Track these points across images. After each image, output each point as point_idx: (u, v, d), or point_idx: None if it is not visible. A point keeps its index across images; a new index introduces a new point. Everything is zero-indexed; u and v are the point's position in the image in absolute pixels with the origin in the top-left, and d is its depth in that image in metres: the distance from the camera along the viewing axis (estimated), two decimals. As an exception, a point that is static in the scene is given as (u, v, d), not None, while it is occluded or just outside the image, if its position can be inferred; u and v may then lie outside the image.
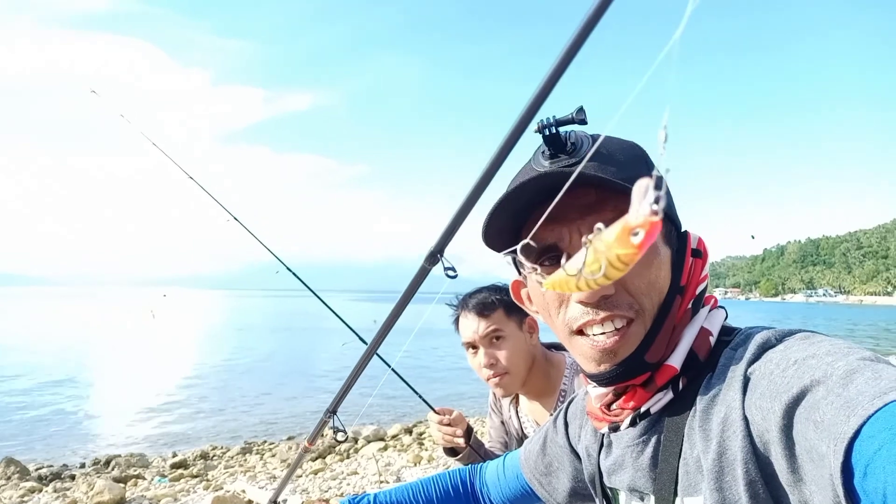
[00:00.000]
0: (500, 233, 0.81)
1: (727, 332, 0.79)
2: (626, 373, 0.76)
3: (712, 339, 0.77)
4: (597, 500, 0.97)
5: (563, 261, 0.74)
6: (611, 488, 0.91)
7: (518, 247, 0.70)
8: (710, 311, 0.81)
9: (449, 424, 1.89)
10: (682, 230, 0.83)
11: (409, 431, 10.54)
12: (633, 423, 0.80)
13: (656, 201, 0.42)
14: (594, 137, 0.79)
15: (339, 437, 1.20)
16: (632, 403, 0.79)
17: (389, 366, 2.01)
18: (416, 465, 7.00)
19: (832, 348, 0.61)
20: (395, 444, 9.51)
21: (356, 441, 9.82)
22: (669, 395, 0.77)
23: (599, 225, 0.48)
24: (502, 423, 2.09)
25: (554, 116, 0.76)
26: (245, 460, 8.73)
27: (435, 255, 0.96)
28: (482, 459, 1.87)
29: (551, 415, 1.85)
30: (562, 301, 0.78)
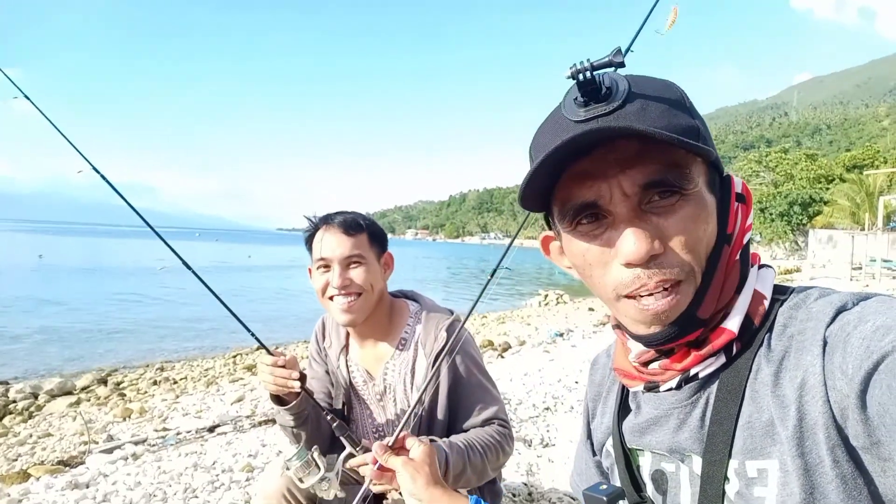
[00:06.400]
0: (531, 191, 0.74)
1: (778, 290, 0.77)
2: (681, 332, 0.73)
3: (766, 303, 0.75)
4: (605, 462, 0.95)
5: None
6: (631, 449, 0.88)
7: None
8: (758, 269, 0.78)
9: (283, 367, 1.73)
10: (725, 174, 0.77)
11: (103, 382, 9.49)
12: (678, 387, 0.78)
13: None
14: (629, 79, 0.71)
15: None
16: (679, 366, 0.76)
17: (212, 290, 1.78)
18: (125, 419, 6.39)
19: None
20: (90, 397, 8.51)
21: (36, 397, 8.53)
22: (722, 359, 0.75)
23: None
24: (327, 372, 2.03)
25: (589, 59, 0.68)
26: None
27: None
28: (312, 408, 1.81)
29: (386, 364, 1.87)
30: (605, 262, 0.73)
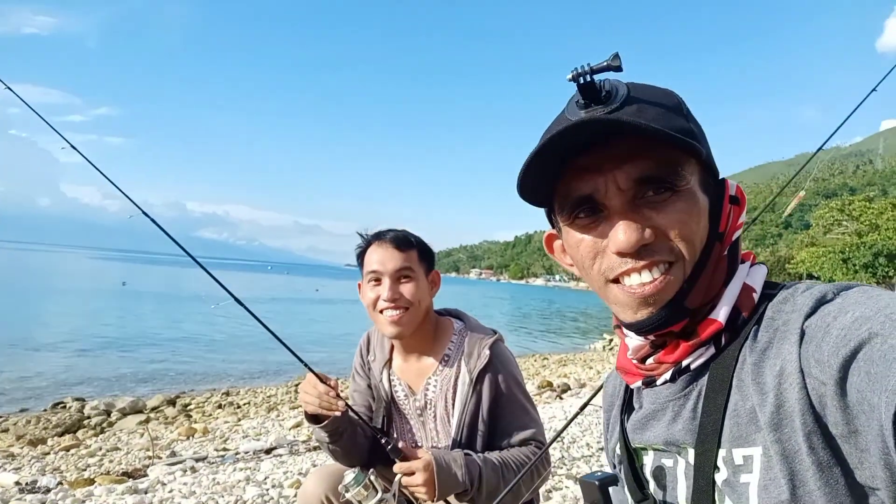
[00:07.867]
0: (534, 185, 0.78)
1: (769, 286, 0.78)
2: (667, 319, 0.74)
3: (755, 296, 0.77)
4: (619, 468, 0.95)
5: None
6: (635, 449, 0.89)
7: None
8: (750, 266, 0.80)
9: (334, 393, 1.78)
10: (720, 178, 0.80)
11: (171, 403, 9.87)
12: (672, 379, 0.80)
13: None
14: (629, 85, 0.76)
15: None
16: (671, 357, 0.78)
17: (266, 326, 1.87)
18: (188, 438, 6.61)
19: (891, 301, 0.62)
20: (158, 416, 8.86)
21: (109, 414, 8.95)
22: (711, 350, 0.76)
23: None
24: (369, 386, 2.07)
25: (589, 64, 0.72)
26: (-33, 438, 7.48)
27: None
28: (348, 425, 1.86)
29: (428, 379, 1.91)
30: (597, 252, 0.76)
